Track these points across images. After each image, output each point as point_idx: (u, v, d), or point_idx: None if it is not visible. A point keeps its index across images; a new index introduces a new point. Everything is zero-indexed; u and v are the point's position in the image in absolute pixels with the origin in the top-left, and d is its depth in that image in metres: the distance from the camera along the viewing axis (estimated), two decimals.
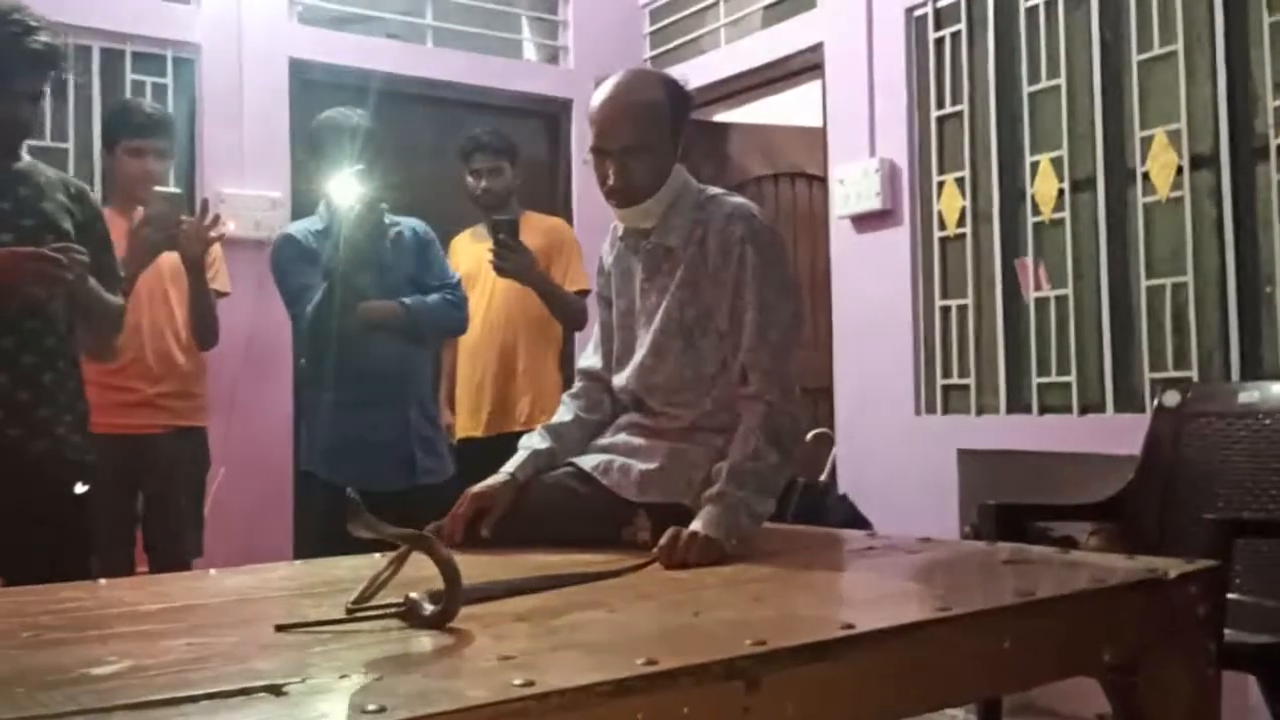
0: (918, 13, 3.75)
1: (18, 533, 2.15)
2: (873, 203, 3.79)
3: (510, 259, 3.09)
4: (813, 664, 1.09)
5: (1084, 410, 3.25)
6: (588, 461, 1.95)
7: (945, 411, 3.66)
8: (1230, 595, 2.18)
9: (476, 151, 3.51)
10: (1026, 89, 3.42)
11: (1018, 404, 3.44)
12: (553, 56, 4.89)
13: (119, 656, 1.09)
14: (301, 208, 3.64)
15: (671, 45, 4.78)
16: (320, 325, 2.78)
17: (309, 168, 3.04)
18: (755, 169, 4.88)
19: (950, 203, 3.64)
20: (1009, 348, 3.46)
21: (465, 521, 1.90)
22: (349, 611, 1.26)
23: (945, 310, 3.67)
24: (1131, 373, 3.16)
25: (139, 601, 1.47)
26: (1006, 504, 2.60)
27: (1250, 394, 2.66)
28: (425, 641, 1.17)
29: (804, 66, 4.20)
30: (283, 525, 3.69)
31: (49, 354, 2.18)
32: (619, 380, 2.03)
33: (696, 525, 1.72)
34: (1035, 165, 3.39)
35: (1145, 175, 3.11)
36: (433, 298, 2.95)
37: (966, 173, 3.59)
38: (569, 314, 3.40)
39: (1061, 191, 3.32)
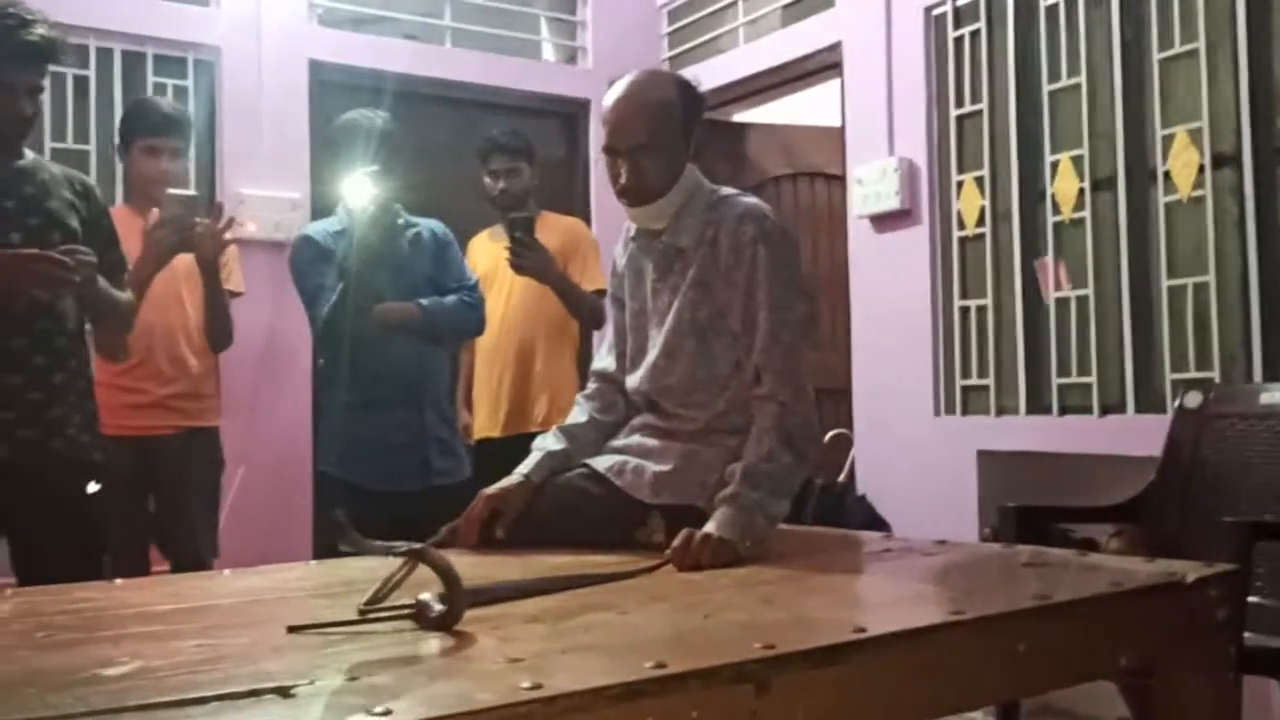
0: (936, 11, 3.73)
1: (31, 532, 2.16)
2: (891, 202, 3.78)
3: (527, 257, 3.09)
4: (823, 667, 1.08)
5: (1105, 411, 3.23)
6: (602, 463, 1.94)
7: (965, 412, 3.64)
8: (1251, 599, 2.16)
9: (494, 152, 3.51)
10: (1046, 87, 3.40)
11: (1038, 405, 3.42)
12: (571, 57, 4.89)
13: (130, 657, 1.09)
14: (321, 209, 3.65)
15: (690, 45, 4.77)
16: (335, 326, 2.79)
17: (328, 169, 3.05)
18: (773, 169, 4.87)
19: (970, 202, 3.62)
20: (1029, 348, 3.44)
21: (480, 523, 1.90)
22: (361, 613, 1.26)
23: (964, 310, 3.64)
24: (1152, 373, 3.13)
25: (152, 602, 1.47)
26: (1026, 506, 2.58)
27: (1273, 395, 2.63)
28: (435, 643, 1.17)
29: (822, 66, 4.19)
30: (302, 526, 3.71)
31: (60, 354, 2.19)
32: (632, 381, 2.03)
33: (710, 527, 1.71)
34: (1055, 164, 3.37)
35: (1166, 174, 3.09)
36: (450, 299, 2.95)
37: (986, 172, 3.56)
38: (587, 313, 3.40)
39: (1082, 191, 3.29)
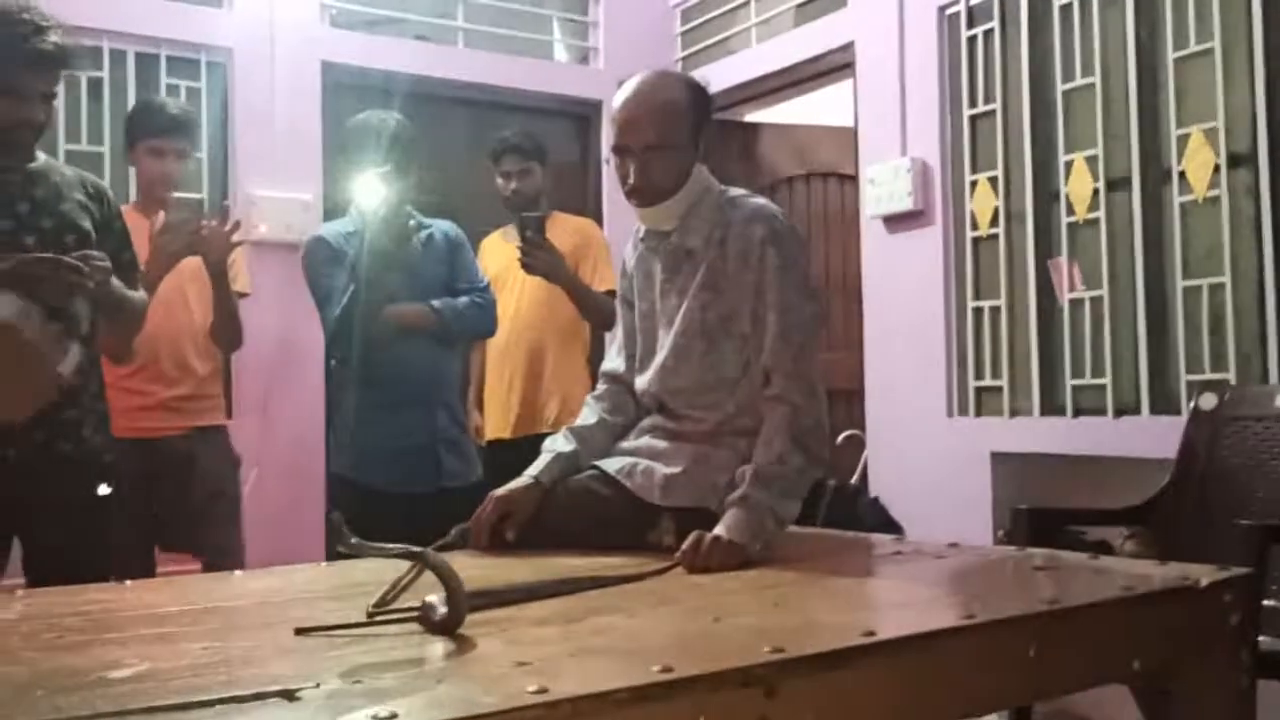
0: (950, 11, 3.71)
1: (43, 534, 2.17)
2: (904, 203, 3.76)
3: (538, 257, 3.09)
4: (832, 672, 1.08)
5: (1119, 413, 3.21)
6: (612, 465, 1.94)
7: (978, 414, 3.62)
8: (1266, 602, 2.14)
9: (506, 153, 3.51)
10: (1060, 87, 3.38)
11: (1051, 406, 3.40)
12: (583, 58, 4.89)
13: (137, 659, 1.09)
14: (333, 210, 3.66)
15: (702, 45, 4.76)
16: (347, 327, 2.80)
17: (340, 170, 3.05)
18: (786, 169, 4.86)
19: (983, 202, 3.61)
20: (1042, 349, 3.42)
21: (490, 525, 1.90)
22: (369, 615, 1.26)
23: (978, 311, 3.63)
24: (1167, 375, 3.11)
25: (161, 604, 1.48)
26: (1039, 508, 2.57)
27: None
28: (441, 646, 1.16)
29: (835, 66, 4.17)
30: (313, 527, 3.71)
31: None
32: (641, 383, 2.02)
33: (720, 529, 1.71)
34: (1069, 164, 3.35)
35: (1182, 174, 3.06)
36: (462, 300, 2.96)
37: (999, 172, 3.55)
38: (598, 314, 3.40)
39: (1096, 191, 3.27)
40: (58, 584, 1.71)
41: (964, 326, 3.67)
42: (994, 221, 3.57)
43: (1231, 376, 2.93)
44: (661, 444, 1.94)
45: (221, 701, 0.92)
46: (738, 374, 1.91)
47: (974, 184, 3.64)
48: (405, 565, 1.58)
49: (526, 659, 1.07)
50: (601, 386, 2.14)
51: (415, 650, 1.15)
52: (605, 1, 4.75)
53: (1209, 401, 2.74)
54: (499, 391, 3.52)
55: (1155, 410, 3.11)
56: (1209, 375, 2.98)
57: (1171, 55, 3.09)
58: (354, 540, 1.22)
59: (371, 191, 2.76)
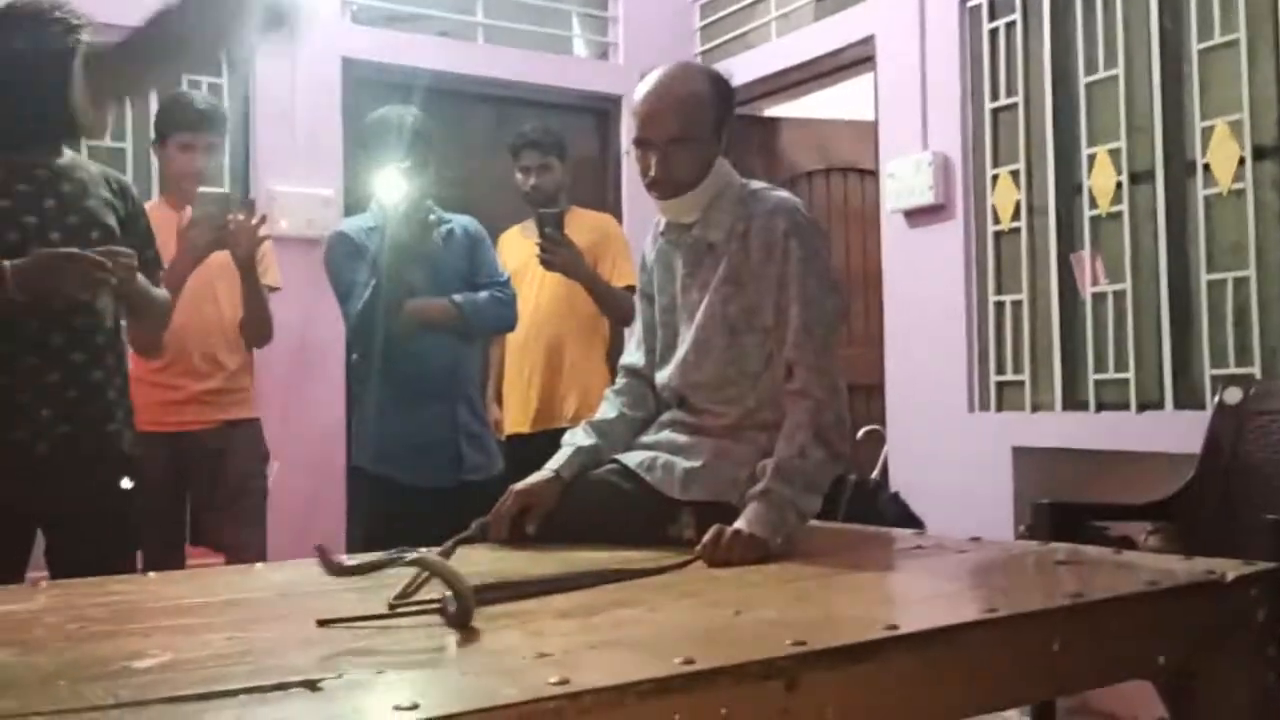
0: (971, 3, 3.69)
1: (66, 528, 2.18)
2: (925, 197, 3.74)
3: (557, 253, 3.09)
4: (854, 665, 1.07)
5: (1142, 407, 3.18)
6: (632, 459, 1.93)
7: (999, 408, 3.61)
8: None
9: (526, 148, 3.51)
10: (1083, 80, 3.36)
11: (1074, 401, 3.38)
12: (603, 52, 4.89)
13: (160, 650, 1.10)
14: (354, 206, 3.67)
15: (722, 40, 4.75)
16: (369, 322, 2.81)
17: (361, 165, 3.06)
18: (806, 164, 4.84)
19: (1004, 196, 3.59)
20: (1065, 343, 3.40)
21: (510, 518, 1.90)
22: (390, 607, 1.26)
23: (999, 305, 3.61)
24: (1191, 369, 3.09)
25: (183, 595, 1.48)
26: (1062, 503, 2.56)
27: None
28: (463, 638, 1.16)
29: (855, 60, 4.16)
30: (335, 521, 3.73)
31: (98, 351, 2.21)
32: (662, 377, 2.02)
33: (741, 523, 1.70)
34: (1092, 157, 3.33)
35: (1206, 167, 3.04)
36: (482, 294, 2.96)
37: (1021, 165, 3.53)
38: (617, 309, 3.40)
39: (1119, 184, 3.25)
40: (79, 576, 1.71)
41: (985, 321, 3.65)
42: (1016, 215, 3.55)
43: (1256, 371, 2.90)
44: (682, 438, 1.94)
45: (245, 691, 0.93)
46: (759, 368, 1.91)
47: (995, 178, 3.62)
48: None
49: (547, 651, 1.07)
50: (621, 380, 2.13)
51: (436, 642, 1.15)
52: None
53: (1234, 396, 2.72)
54: (518, 386, 3.53)
55: (1179, 405, 3.09)
56: (1233, 369, 2.95)
57: (1196, 46, 3.07)
58: (336, 563, 1.21)
59: (392, 186, 2.76)
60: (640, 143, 1.92)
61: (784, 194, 1.98)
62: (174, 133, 3.04)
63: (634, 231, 3.65)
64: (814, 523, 1.87)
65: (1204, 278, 3.05)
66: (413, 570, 1.44)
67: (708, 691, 0.97)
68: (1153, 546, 2.65)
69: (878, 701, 1.10)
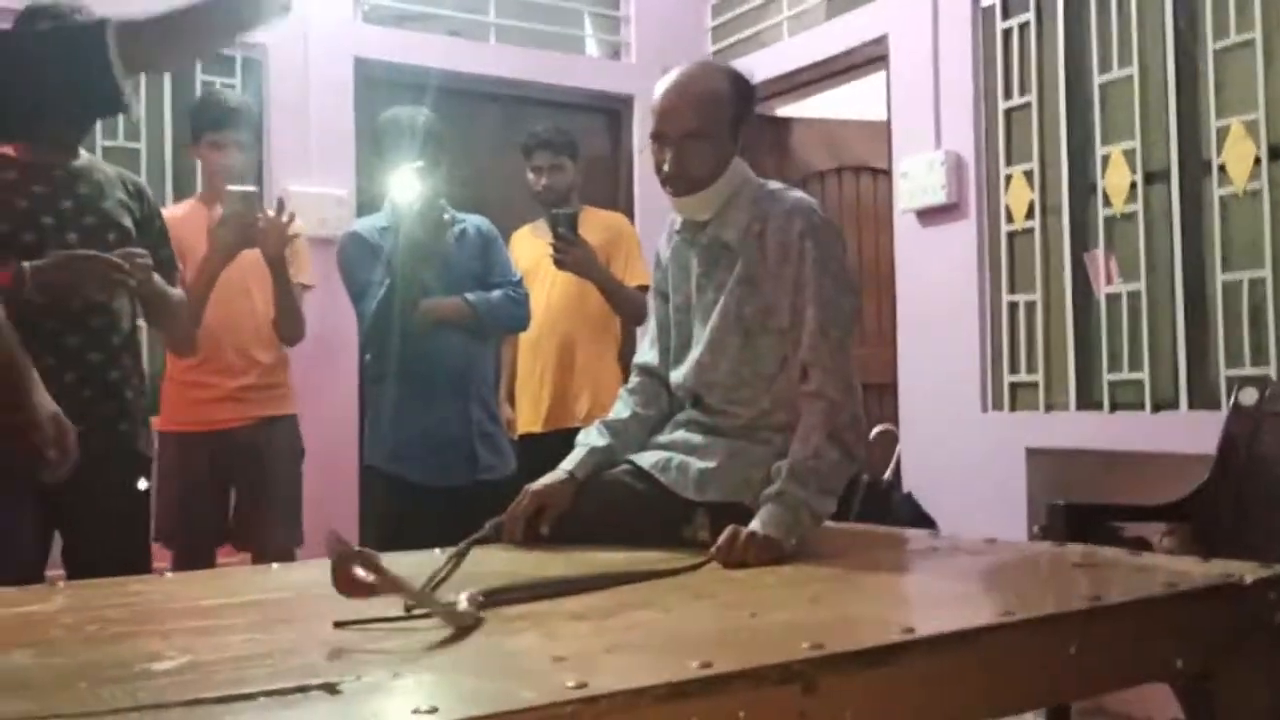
0: (985, 3, 3.68)
1: (81, 526, 2.19)
2: (938, 196, 3.74)
3: (570, 253, 3.09)
4: (871, 668, 1.07)
5: (1157, 408, 3.17)
6: (646, 459, 1.93)
7: (1013, 408, 3.60)
8: None
9: (537, 148, 3.51)
10: (1097, 79, 3.34)
11: (1088, 401, 3.37)
12: (614, 52, 4.89)
13: (179, 652, 1.10)
14: (367, 205, 3.67)
15: (734, 39, 4.75)
16: (383, 321, 2.81)
17: (373, 165, 3.07)
18: (818, 163, 4.83)
19: (1018, 196, 3.58)
20: (1079, 343, 3.39)
21: (525, 519, 1.90)
22: (407, 609, 1.26)
23: (1013, 305, 3.60)
24: (1206, 369, 3.08)
25: (201, 596, 1.49)
26: (1076, 504, 2.55)
27: None
28: (480, 641, 1.17)
29: (868, 59, 4.15)
30: (348, 520, 3.73)
31: (114, 351, 2.22)
32: (676, 377, 2.02)
33: (755, 524, 1.70)
34: (1106, 157, 3.31)
35: (1221, 166, 3.03)
36: (495, 294, 2.97)
37: (1035, 165, 3.52)
38: (630, 309, 3.40)
39: (1134, 184, 3.23)
40: (93, 575, 1.72)
41: (999, 321, 3.64)
42: (1029, 215, 3.54)
43: (1272, 371, 2.89)
44: (697, 438, 1.93)
45: (264, 694, 0.93)
46: (774, 369, 1.91)
47: (1009, 177, 3.61)
48: (443, 558, 1.59)
49: (564, 654, 1.07)
50: (634, 379, 2.13)
51: (453, 644, 1.15)
52: None
53: (1249, 396, 2.70)
54: (530, 385, 3.53)
55: (1194, 405, 3.08)
56: (1249, 370, 2.94)
57: (1211, 46, 3.05)
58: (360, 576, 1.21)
59: (406, 185, 2.77)
60: (656, 137, 1.92)
61: (800, 195, 1.98)
62: (205, 131, 3.05)
63: (646, 231, 3.65)
64: (827, 523, 1.87)
65: (1219, 278, 3.04)
66: (428, 571, 1.45)
67: (725, 695, 0.97)
68: (1168, 548, 2.64)
69: (895, 705, 1.10)
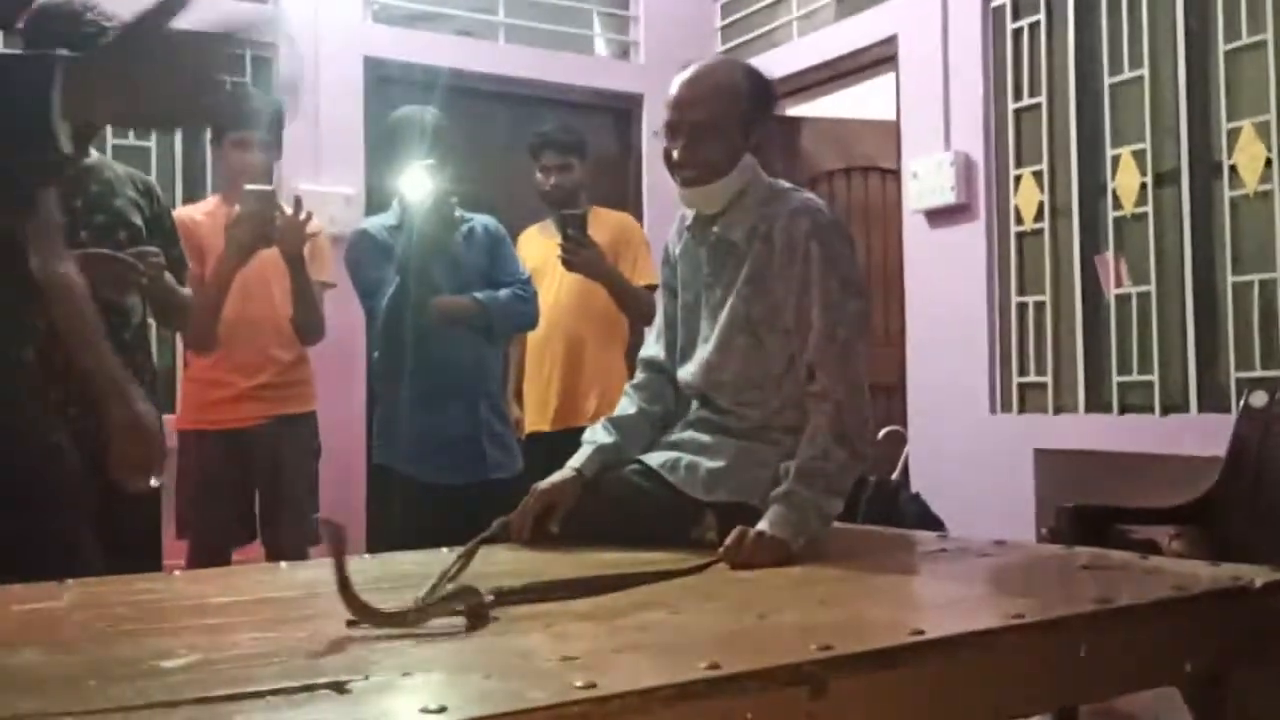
0: (995, 3, 3.68)
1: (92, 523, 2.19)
2: (947, 196, 3.73)
3: (579, 254, 3.09)
4: (880, 671, 1.07)
5: (1166, 410, 3.16)
6: (655, 459, 1.93)
7: (1021, 410, 3.59)
8: None
9: (546, 148, 3.51)
10: (1108, 80, 3.34)
11: (1097, 403, 3.36)
12: (623, 52, 4.89)
13: (188, 650, 1.10)
14: (376, 204, 3.68)
15: (743, 39, 4.75)
16: (393, 319, 2.81)
17: (382, 164, 3.07)
18: (828, 163, 4.83)
19: (1027, 197, 3.57)
20: (1088, 345, 3.38)
21: (533, 517, 1.90)
22: (419, 605, 1.26)
23: (1022, 307, 3.59)
24: (1216, 372, 3.07)
25: (210, 594, 1.49)
26: (1085, 506, 2.55)
27: None
28: (489, 640, 1.16)
29: (878, 59, 4.15)
30: (356, 520, 3.73)
31: (125, 348, 2.22)
32: (684, 375, 2.02)
33: (763, 525, 1.69)
34: (1116, 159, 3.31)
35: (1232, 168, 3.02)
36: (504, 293, 2.96)
37: (1044, 166, 3.51)
38: (638, 308, 3.39)
39: (1144, 185, 3.23)
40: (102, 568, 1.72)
41: (1007, 322, 3.63)
42: (1039, 216, 3.53)
43: None
44: (706, 438, 1.93)
45: (272, 693, 0.93)
46: (781, 369, 1.90)
47: (1018, 178, 3.60)
48: (451, 557, 1.59)
49: (573, 654, 1.07)
50: (640, 375, 2.13)
51: (462, 644, 1.15)
52: None
53: (1259, 399, 2.70)
54: (538, 384, 3.53)
55: (1204, 408, 3.07)
56: (1259, 372, 2.93)
57: (1222, 47, 3.05)
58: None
59: (417, 183, 2.77)
60: (668, 125, 1.92)
61: (808, 195, 1.97)
62: (229, 130, 3.05)
63: (654, 230, 3.65)
64: (835, 524, 1.86)
65: (1229, 280, 3.03)
66: (437, 570, 1.45)
67: (733, 697, 0.97)
68: (1176, 551, 2.63)
69: (904, 707, 1.09)
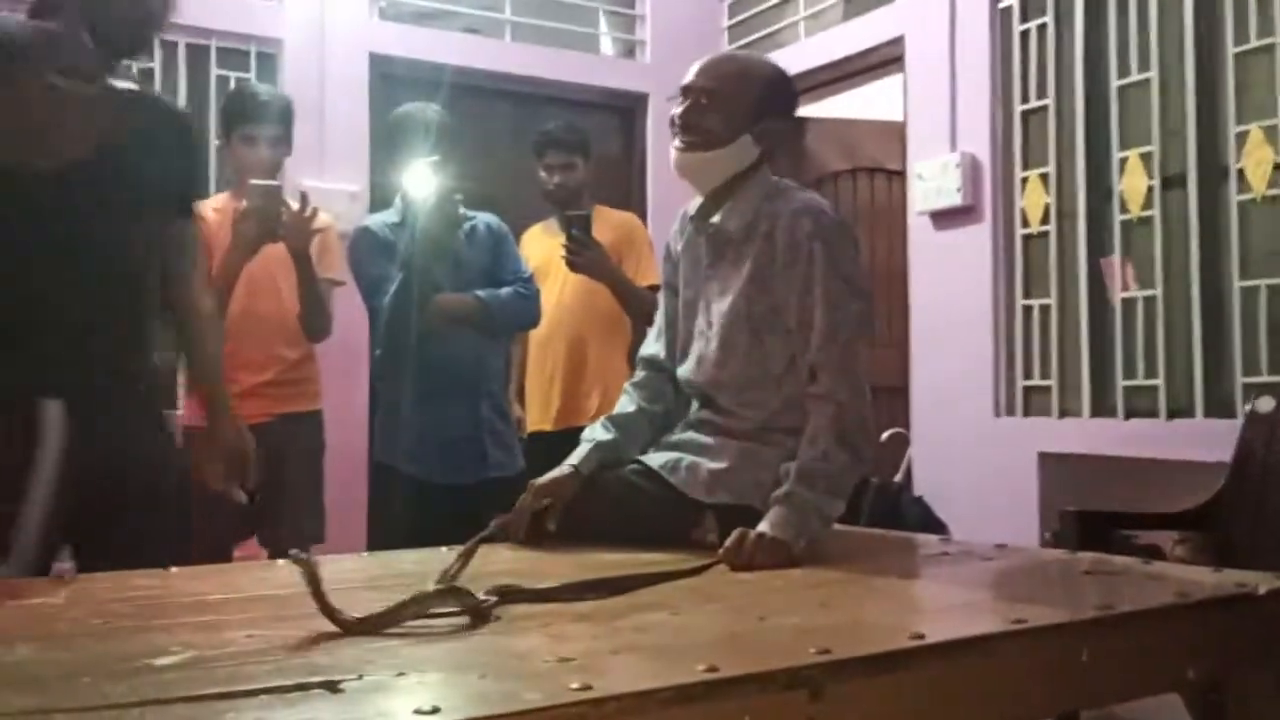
0: (1003, 4, 3.66)
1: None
2: (953, 198, 3.72)
3: (583, 255, 3.08)
4: (880, 675, 1.06)
5: (1172, 415, 3.15)
6: (656, 460, 1.92)
7: (1026, 413, 3.58)
8: None
9: (549, 146, 3.50)
10: (1115, 82, 3.32)
11: (1102, 407, 3.35)
12: (629, 51, 4.88)
13: (182, 647, 1.10)
14: (380, 201, 3.67)
15: (750, 39, 4.73)
16: (396, 317, 2.81)
17: (386, 161, 3.06)
18: (833, 164, 4.82)
19: (1034, 199, 3.56)
20: (1094, 349, 3.37)
21: (530, 515, 1.89)
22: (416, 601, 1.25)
23: (1027, 310, 3.58)
24: (1223, 377, 3.05)
25: (207, 591, 1.48)
26: (1089, 511, 2.54)
27: None
28: (486, 641, 1.16)
29: (885, 60, 4.14)
30: (356, 517, 3.72)
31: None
32: (684, 373, 2.01)
33: (764, 527, 1.69)
34: (1124, 161, 3.29)
35: (1240, 172, 3.01)
36: (506, 291, 2.96)
37: (1051, 168, 3.50)
38: (641, 308, 3.38)
39: (1151, 189, 3.21)
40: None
41: (1012, 325, 3.62)
42: (1045, 218, 3.52)
43: None
44: (707, 439, 1.92)
45: (265, 691, 0.92)
46: (783, 370, 1.89)
47: (1025, 180, 3.59)
48: (451, 556, 1.59)
49: (569, 655, 1.06)
50: (640, 373, 2.12)
51: (460, 644, 1.14)
52: None
53: (1266, 404, 2.68)
54: (540, 384, 3.52)
55: (1210, 413, 3.05)
56: (1266, 378, 2.92)
57: (1231, 50, 3.03)
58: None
59: (420, 180, 2.76)
60: (682, 89, 1.94)
61: (811, 195, 1.97)
62: (237, 126, 3.03)
63: (658, 231, 3.64)
64: (836, 526, 1.85)
65: (1236, 284, 3.01)
66: (437, 569, 1.44)
67: (731, 699, 0.96)
68: (1180, 556, 2.62)
69: (903, 712, 1.08)
